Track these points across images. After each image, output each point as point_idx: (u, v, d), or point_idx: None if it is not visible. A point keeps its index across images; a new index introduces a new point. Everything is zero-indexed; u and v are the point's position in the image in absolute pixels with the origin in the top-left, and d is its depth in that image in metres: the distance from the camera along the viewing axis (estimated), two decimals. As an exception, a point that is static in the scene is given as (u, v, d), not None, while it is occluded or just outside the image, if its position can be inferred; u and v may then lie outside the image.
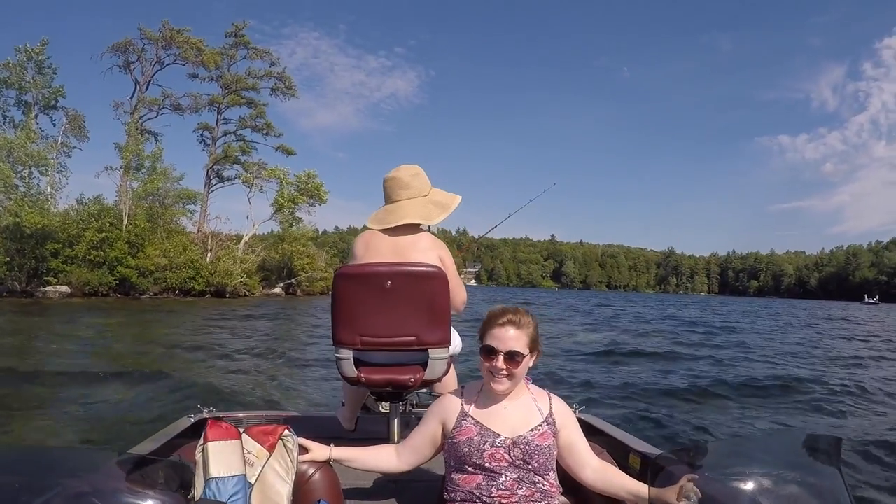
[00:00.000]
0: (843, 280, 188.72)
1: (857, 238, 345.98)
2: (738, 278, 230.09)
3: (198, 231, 41.45)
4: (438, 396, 3.06)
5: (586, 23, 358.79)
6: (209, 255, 37.56)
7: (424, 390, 3.24)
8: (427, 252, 2.76)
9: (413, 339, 2.67)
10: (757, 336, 21.36)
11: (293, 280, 43.90)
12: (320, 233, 74.93)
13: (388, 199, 2.88)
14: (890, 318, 42.59)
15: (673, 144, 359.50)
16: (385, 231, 2.81)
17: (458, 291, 2.87)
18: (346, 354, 2.74)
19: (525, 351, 2.03)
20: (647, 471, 2.30)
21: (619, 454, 2.57)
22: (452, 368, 3.11)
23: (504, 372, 2.02)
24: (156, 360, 11.01)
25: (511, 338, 2.03)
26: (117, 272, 31.56)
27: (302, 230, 44.98)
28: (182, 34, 43.29)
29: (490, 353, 2.04)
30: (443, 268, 2.76)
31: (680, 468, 1.99)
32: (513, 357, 2.01)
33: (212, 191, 46.20)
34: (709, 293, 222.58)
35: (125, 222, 33.10)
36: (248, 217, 44.26)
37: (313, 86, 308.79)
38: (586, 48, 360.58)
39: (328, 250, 57.14)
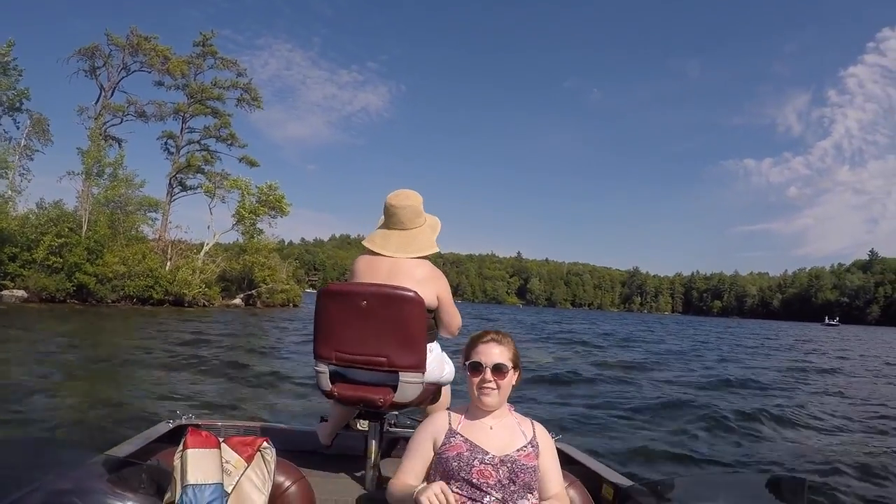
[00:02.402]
0: (805, 301, 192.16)
1: (819, 261, 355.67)
2: (701, 298, 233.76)
3: (158, 239, 40.68)
4: (420, 418, 3.09)
5: (557, 44, 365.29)
6: (168, 263, 36.91)
7: (397, 413, 3.28)
8: (424, 281, 2.77)
9: (384, 359, 2.69)
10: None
11: (253, 291, 43.40)
12: (286, 244, 74.31)
13: (402, 226, 2.89)
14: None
15: (640, 165, 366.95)
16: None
17: (454, 316, 2.94)
18: (324, 369, 2.77)
19: (509, 364, 2.15)
20: (619, 501, 2.42)
21: (592, 484, 2.61)
22: (447, 394, 3.15)
23: (492, 384, 2.12)
24: (120, 367, 10.82)
25: (495, 353, 2.15)
26: (75, 278, 30.65)
27: (264, 241, 44.61)
28: (149, 41, 42.70)
29: (476, 368, 2.15)
30: (439, 297, 2.82)
31: (650, 501, 2.09)
32: (499, 369, 2.12)
33: (174, 199, 45.64)
34: (672, 312, 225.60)
35: (85, 228, 32.26)
36: (209, 227, 43.80)
37: (285, 97, 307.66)
38: (556, 69, 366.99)
39: (292, 262, 56.46)
